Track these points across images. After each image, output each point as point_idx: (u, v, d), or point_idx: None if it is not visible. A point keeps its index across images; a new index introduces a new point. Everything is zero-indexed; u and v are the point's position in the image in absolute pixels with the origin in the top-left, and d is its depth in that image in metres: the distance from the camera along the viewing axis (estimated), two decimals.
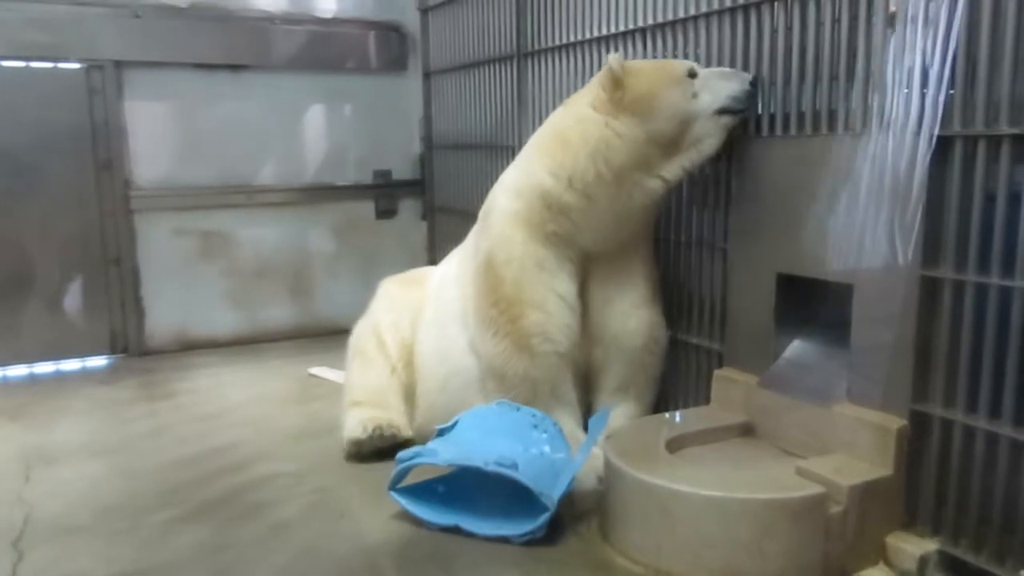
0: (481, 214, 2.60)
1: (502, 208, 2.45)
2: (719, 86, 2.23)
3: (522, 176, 2.44)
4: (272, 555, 2.03)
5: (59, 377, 3.75)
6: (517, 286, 2.35)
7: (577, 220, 2.35)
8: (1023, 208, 1.65)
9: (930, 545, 1.85)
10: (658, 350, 2.55)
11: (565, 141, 2.34)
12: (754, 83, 2.21)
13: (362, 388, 2.71)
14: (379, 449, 2.55)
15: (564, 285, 2.39)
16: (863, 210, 1.91)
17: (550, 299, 2.36)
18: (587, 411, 2.51)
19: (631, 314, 2.47)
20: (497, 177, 2.61)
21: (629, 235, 2.45)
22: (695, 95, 2.24)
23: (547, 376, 2.38)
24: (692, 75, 2.26)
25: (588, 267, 2.45)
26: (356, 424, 2.57)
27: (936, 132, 1.76)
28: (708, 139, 2.26)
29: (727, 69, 2.27)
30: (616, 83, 2.25)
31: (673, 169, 2.30)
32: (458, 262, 2.72)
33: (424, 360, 2.68)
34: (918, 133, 1.78)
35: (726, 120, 2.24)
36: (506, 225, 2.41)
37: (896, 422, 1.88)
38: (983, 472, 1.77)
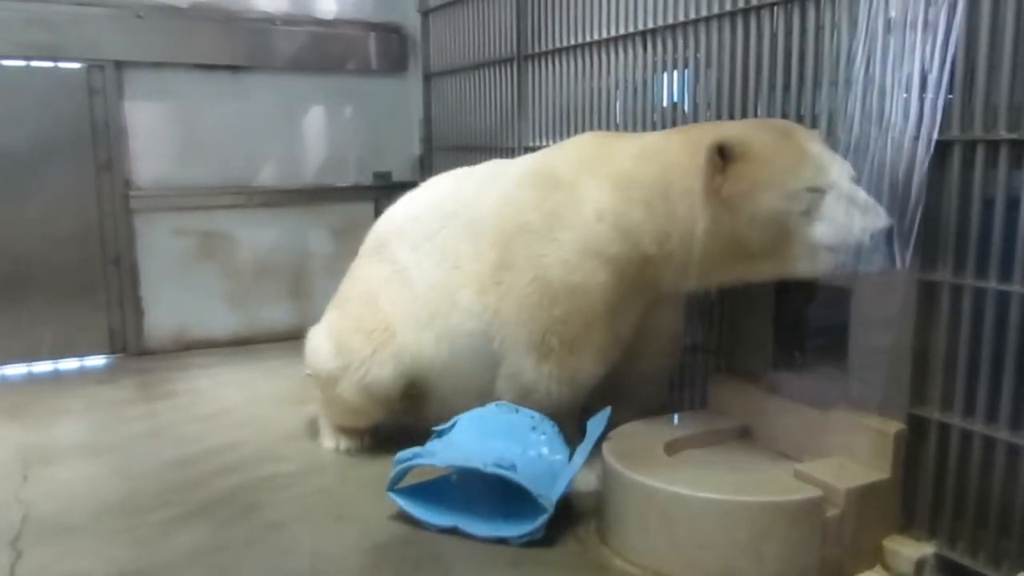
0: (538, 164, 2.42)
1: (592, 235, 2.19)
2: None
3: (623, 218, 2.17)
4: (270, 556, 2.04)
5: (58, 376, 3.75)
6: (588, 327, 2.25)
7: (666, 270, 2.19)
8: (1021, 212, 1.66)
9: (927, 548, 1.86)
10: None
11: (671, 213, 2.10)
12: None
13: (332, 408, 2.73)
14: None
15: (628, 324, 2.30)
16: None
17: (615, 343, 2.30)
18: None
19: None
20: None
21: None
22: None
23: (573, 400, 2.37)
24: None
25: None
26: (329, 438, 2.77)
27: (935, 136, 1.76)
28: None
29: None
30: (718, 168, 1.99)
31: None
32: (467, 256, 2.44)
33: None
34: (917, 137, 1.79)
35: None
36: (593, 265, 2.20)
37: (894, 426, 1.89)
38: (980, 476, 1.78)
